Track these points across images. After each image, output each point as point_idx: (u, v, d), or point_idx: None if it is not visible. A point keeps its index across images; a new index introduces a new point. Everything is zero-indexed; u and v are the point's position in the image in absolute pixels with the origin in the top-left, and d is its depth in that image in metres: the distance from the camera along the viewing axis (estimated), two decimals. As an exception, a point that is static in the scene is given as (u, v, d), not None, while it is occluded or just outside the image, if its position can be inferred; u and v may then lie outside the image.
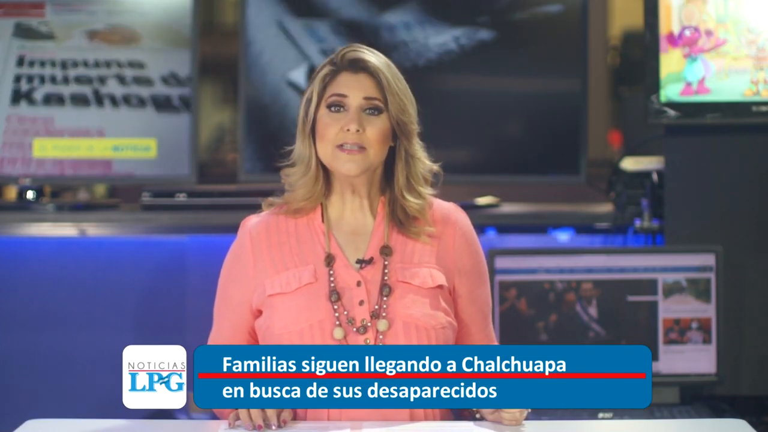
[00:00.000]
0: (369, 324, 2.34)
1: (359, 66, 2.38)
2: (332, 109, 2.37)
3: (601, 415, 3.06)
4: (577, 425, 2.57)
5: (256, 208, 2.50)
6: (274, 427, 2.25)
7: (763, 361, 3.30)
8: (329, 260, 2.38)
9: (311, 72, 3.57)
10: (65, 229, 3.60)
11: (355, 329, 2.34)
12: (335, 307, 2.34)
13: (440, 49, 3.63)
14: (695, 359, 3.17)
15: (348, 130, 2.34)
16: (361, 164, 2.35)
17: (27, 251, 3.76)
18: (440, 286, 2.39)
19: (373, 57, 2.39)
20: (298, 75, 3.63)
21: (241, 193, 3.57)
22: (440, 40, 3.62)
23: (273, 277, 2.38)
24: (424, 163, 2.42)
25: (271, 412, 2.25)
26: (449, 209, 2.46)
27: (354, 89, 2.36)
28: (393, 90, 2.37)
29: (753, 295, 3.31)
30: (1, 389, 3.75)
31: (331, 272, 2.37)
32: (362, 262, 2.38)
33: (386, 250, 2.39)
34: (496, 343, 2.52)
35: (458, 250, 2.43)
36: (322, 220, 2.41)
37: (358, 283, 2.36)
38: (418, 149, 2.42)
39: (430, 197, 2.43)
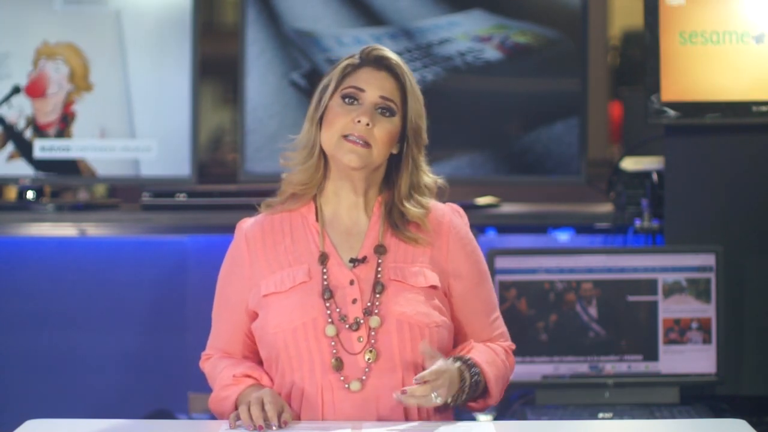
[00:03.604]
0: (362, 321, 2.34)
1: (383, 64, 2.39)
2: (346, 100, 2.37)
3: (601, 415, 3.06)
4: (577, 425, 2.58)
5: (255, 209, 2.50)
6: (274, 428, 2.25)
7: (763, 361, 3.30)
8: (323, 259, 2.38)
9: (313, 73, 3.57)
10: (65, 229, 3.60)
11: (347, 326, 2.34)
12: (327, 304, 2.35)
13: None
14: (695, 359, 3.17)
15: (359, 121, 2.34)
16: (364, 158, 2.34)
17: (27, 251, 3.76)
18: (434, 287, 2.39)
19: (399, 60, 2.41)
20: (299, 75, 3.63)
21: (241, 193, 3.57)
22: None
23: (268, 278, 2.39)
24: (428, 176, 2.43)
25: (271, 413, 2.25)
26: (444, 211, 2.46)
27: (373, 86, 2.37)
28: (414, 94, 2.39)
29: (753, 295, 3.31)
30: (1, 389, 3.75)
31: (325, 271, 2.37)
32: (355, 261, 2.38)
33: (380, 249, 2.39)
34: (503, 334, 2.51)
35: (453, 252, 2.43)
36: (317, 219, 2.41)
37: (351, 282, 2.36)
38: (422, 161, 2.43)
39: (428, 208, 2.43)
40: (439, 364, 2.27)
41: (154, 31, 3.64)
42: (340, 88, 2.38)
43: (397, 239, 2.40)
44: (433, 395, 2.24)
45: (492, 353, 2.43)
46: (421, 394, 2.24)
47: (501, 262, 3.16)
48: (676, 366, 3.17)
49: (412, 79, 2.40)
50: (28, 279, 3.76)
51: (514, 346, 2.52)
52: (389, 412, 2.33)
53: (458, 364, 2.33)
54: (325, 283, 2.36)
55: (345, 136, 2.34)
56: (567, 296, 3.18)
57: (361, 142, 2.34)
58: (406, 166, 2.40)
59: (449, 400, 2.29)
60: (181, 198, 3.58)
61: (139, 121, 3.62)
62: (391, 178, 2.42)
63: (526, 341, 3.14)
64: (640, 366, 3.17)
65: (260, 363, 2.44)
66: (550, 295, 3.18)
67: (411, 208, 2.39)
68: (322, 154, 2.39)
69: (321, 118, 2.39)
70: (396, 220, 2.40)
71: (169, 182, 3.63)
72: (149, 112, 3.63)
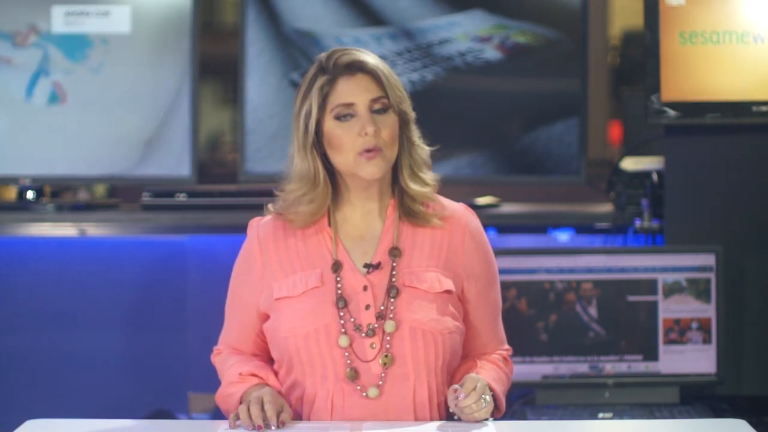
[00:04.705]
0: (375, 326, 2.33)
1: (356, 67, 2.35)
2: (342, 119, 2.34)
3: (601, 415, 3.06)
4: (577, 425, 2.58)
5: (255, 208, 2.49)
6: (273, 427, 2.25)
7: (763, 361, 3.30)
8: (336, 266, 2.36)
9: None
10: (65, 229, 3.60)
11: (363, 334, 2.32)
12: (341, 313, 2.33)
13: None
14: (695, 359, 3.17)
15: (366, 133, 2.31)
16: (382, 166, 2.33)
17: (27, 251, 3.76)
18: (448, 291, 2.38)
19: (365, 55, 2.36)
20: (299, 75, 3.62)
21: (241, 193, 3.57)
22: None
23: (281, 281, 2.37)
24: (423, 148, 2.41)
25: (271, 412, 2.25)
26: (459, 211, 2.44)
27: (357, 94, 2.34)
28: (392, 83, 2.36)
29: (753, 295, 3.31)
30: (1, 389, 3.75)
31: (338, 278, 2.36)
32: (370, 267, 2.37)
33: (395, 252, 2.37)
34: (503, 340, 2.51)
35: (468, 254, 2.42)
36: (329, 224, 2.40)
37: (365, 288, 2.35)
38: (416, 135, 2.41)
39: (434, 184, 2.42)
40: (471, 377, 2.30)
41: (153, 31, 3.64)
42: (327, 110, 2.35)
43: (413, 232, 2.39)
44: (482, 402, 2.27)
45: (496, 368, 2.44)
46: (471, 401, 2.26)
47: (501, 262, 3.14)
48: (676, 366, 3.17)
49: (382, 67, 2.35)
50: (28, 279, 3.76)
51: (511, 351, 2.52)
52: (399, 414, 2.33)
53: None
54: (339, 290, 2.35)
55: (360, 153, 2.32)
56: (567, 296, 3.18)
57: (375, 151, 2.33)
58: (403, 147, 2.38)
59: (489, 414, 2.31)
60: (181, 198, 3.58)
61: (137, 118, 3.64)
62: (395, 167, 2.40)
63: (526, 341, 3.14)
64: (640, 366, 3.17)
65: (270, 361, 2.44)
66: (550, 295, 3.18)
67: (416, 189, 2.38)
68: (327, 177, 2.38)
69: (316, 144, 2.36)
70: (408, 203, 2.38)
71: (169, 182, 3.63)
72: (149, 111, 3.64)
